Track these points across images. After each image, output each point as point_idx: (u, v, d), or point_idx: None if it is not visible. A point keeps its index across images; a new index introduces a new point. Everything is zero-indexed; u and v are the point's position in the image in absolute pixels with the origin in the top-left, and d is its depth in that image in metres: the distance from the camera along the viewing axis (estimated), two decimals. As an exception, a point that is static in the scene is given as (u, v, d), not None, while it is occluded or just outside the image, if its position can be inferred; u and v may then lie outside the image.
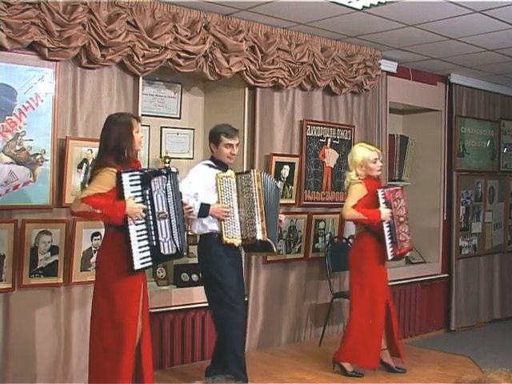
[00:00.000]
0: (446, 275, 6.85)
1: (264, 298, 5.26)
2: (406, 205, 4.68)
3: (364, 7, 4.47)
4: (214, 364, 4.31)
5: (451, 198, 6.86)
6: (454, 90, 6.81)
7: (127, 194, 3.36)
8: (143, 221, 3.39)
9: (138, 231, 3.37)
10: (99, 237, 4.18)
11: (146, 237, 3.40)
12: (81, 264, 4.20)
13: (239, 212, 4.14)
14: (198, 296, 4.87)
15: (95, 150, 4.15)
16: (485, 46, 5.49)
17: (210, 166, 4.21)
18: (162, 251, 3.43)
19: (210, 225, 4.13)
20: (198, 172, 4.18)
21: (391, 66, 6.15)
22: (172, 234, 3.45)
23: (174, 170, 3.57)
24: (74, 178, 4.11)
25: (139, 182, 3.40)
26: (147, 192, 3.41)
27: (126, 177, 3.37)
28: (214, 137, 4.22)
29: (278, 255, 5.30)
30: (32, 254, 4.00)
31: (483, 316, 7.18)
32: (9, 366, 3.93)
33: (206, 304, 4.83)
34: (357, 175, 4.57)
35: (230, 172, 4.21)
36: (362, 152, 4.58)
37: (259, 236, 4.10)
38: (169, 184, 3.46)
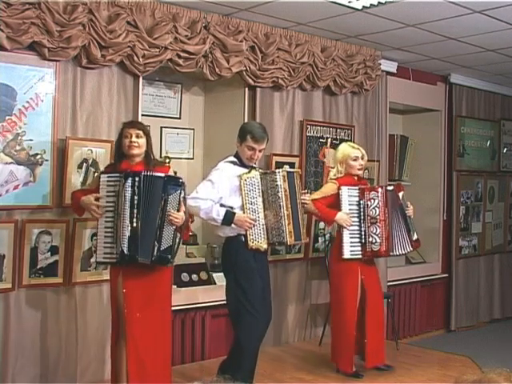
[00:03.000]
0: (446, 275, 6.86)
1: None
2: (385, 207, 4.49)
3: (364, 7, 4.47)
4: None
5: (451, 198, 6.86)
6: (454, 90, 6.81)
7: (101, 192, 3.63)
8: (111, 219, 3.58)
9: (106, 227, 3.60)
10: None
11: (111, 234, 3.58)
12: (81, 264, 4.20)
13: (265, 215, 3.96)
14: (198, 296, 4.87)
15: (95, 150, 4.20)
16: (485, 46, 5.49)
17: (234, 163, 4.02)
18: (116, 249, 3.55)
19: (238, 227, 3.95)
20: (222, 171, 3.99)
21: (391, 66, 6.16)
22: (122, 234, 3.51)
23: (144, 173, 3.55)
24: (74, 178, 4.12)
25: (117, 182, 3.59)
26: (118, 193, 3.57)
27: (103, 178, 3.67)
28: (242, 133, 4.01)
29: (278, 255, 5.31)
30: (32, 253, 4.00)
31: (483, 316, 7.18)
32: (9, 366, 3.93)
33: (206, 304, 4.86)
34: (339, 172, 4.60)
35: (254, 172, 4.00)
36: (344, 149, 4.63)
37: (287, 240, 3.99)
38: (128, 185, 3.52)
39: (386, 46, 5.65)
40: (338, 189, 4.51)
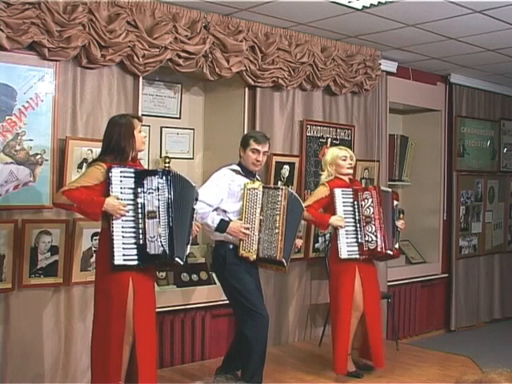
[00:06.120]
0: (446, 275, 6.86)
1: (264, 298, 5.24)
2: (379, 206, 4.49)
3: (364, 7, 4.47)
4: (225, 364, 4.24)
5: (451, 198, 6.86)
6: (453, 90, 6.82)
7: (115, 189, 3.35)
8: (132, 219, 3.37)
9: (123, 227, 3.35)
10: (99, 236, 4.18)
11: (133, 235, 3.36)
12: (81, 264, 4.20)
13: (260, 227, 4.02)
14: (198, 296, 4.88)
15: (95, 150, 4.18)
16: (485, 46, 5.49)
17: (236, 172, 4.11)
18: (148, 250, 3.36)
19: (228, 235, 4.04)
20: (225, 175, 4.08)
21: (391, 66, 6.16)
22: (160, 234, 3.36)
23: (173, 172, 3.49)
24: (74, 178, 4.11)
25: (133, 179, 3.39)
26: (139, 190, 3.37)
27: (116, 172, 3.36)
28: (244, 140, 4.17)
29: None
30: (32, 253, 4.00)
31: (483, 316, 7.18)
32: (9, 366, 3.93)
33: (206, 304, 4.86)
34: (329, 175, 4.61)
35: (258, 184, 4.08)
36: (332, 151, 4.67)
37: (275, 255, 4.00)
38: (163, 184, 3.38)
39: (386, 45, 5.65)
40: (330, 191, 4.52)
